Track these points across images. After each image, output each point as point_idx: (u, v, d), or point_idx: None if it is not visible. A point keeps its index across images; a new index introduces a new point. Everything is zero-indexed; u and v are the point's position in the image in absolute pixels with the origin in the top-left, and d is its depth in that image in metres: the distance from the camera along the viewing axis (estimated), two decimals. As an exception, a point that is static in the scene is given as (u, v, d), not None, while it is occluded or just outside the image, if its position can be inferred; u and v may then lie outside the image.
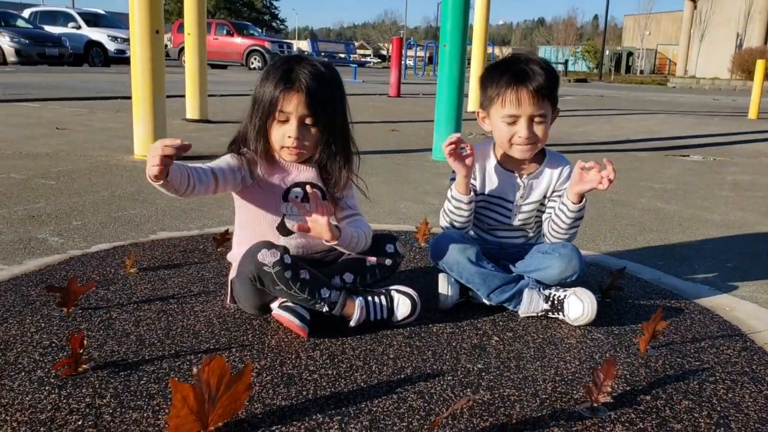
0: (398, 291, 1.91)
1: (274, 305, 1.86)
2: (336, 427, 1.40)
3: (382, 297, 1.89)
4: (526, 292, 2.00)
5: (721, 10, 35.68)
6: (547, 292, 2.02)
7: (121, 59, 21.22)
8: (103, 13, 23.80)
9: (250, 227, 1.97)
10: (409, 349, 1.78)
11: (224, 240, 2.61)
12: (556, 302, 1.99)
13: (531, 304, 2.00)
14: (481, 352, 1.79)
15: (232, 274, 1.96)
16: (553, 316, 2.02)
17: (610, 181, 1.93)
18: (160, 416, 1.41)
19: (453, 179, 2.10)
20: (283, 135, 1.85)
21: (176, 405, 1.25)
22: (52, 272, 2.31)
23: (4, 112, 7.28)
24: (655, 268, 2.70)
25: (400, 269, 2.36)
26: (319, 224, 1.76)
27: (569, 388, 1.62)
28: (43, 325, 1.85)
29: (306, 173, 1.95)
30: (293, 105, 1.82)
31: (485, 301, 2.05)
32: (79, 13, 22.47)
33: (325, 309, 1.82)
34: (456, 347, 1.82)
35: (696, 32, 38.01)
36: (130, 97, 4.89)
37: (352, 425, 1.41)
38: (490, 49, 13.18)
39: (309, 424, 1.40)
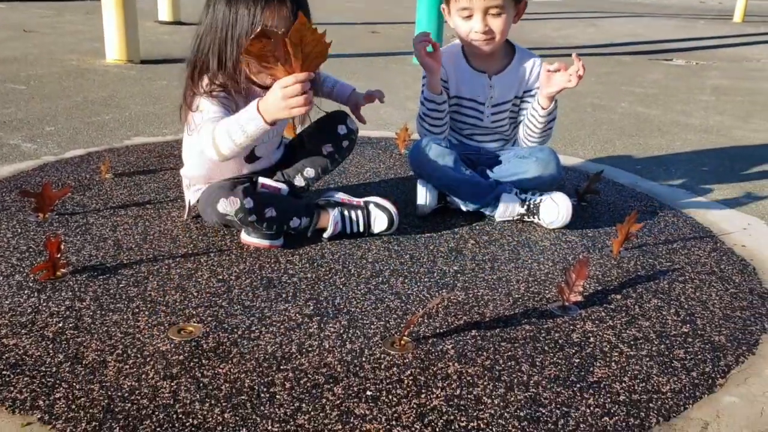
0: (376, 205, 1.89)
1: (242, 233, 1.82)
2: (315, 326, 1.43)
3: (360, 212, 1.87)
4: (503, 197, 2.01)
5: None
6: (523, 196, 2.03)
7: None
8: None
9: None
10: (387, 253, 1.81)
11: (201, 145, 2.57)
12: (531, 206, 2.01)
13: (507, 208, 2.02)
14: (457, 255, 1.82)
15: (189, 194, 1.90)
16: (529, 219, 2.04)
17: (579, 77, 1.90)
18: (139, 318, 1.43)
19: (425, 83, 2.07)
20: None
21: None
22: (27, 178, 2.28)
23: (-33, 14, 6.97)
24: (632, 173, 2.71)
25: (379, 176, 2.36)
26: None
27: (542, 288, 1.66)
28: (19, 230, 1.84)
29: None
30: (276, 19, 1.64)
31: (462, 207, 2.06)
32: None
33: (298, 231, 1.81)
34: (433, 250, 1.84)
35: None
36: None
37: (330, 325, 1.44)
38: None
39: (288, 324, 1.43)
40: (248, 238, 1.81)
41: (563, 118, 3.53)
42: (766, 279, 1.81)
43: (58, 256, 1.57)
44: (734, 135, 3.46)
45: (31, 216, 1.92)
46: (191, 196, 1.90)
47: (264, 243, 1.79)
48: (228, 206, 1.69)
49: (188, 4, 7.86)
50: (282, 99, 1.46)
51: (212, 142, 1.57)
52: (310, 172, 1.94)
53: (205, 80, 1.71)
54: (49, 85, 3.84)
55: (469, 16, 1.98)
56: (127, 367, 1.26)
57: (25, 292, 1.52)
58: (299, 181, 1.92)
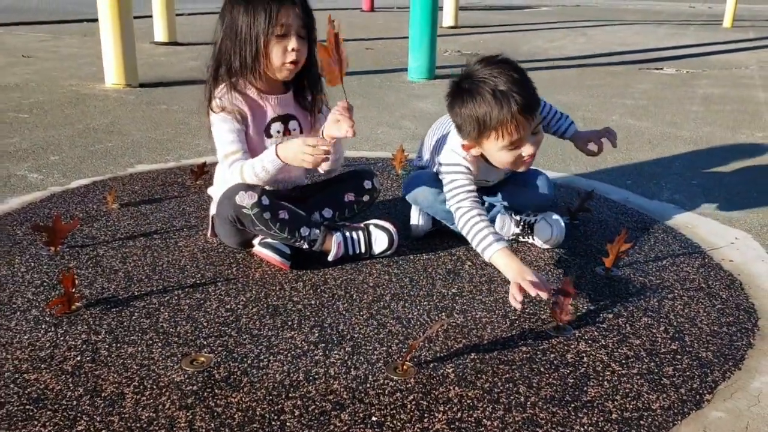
0: (376, 226, 1.98)
1: (256, 241, 1.93)
2: (320, 353, 1.50)
3: (360, 232, 1.96)
4: (498, 218, 2.09)
5: None
6: (518, 217, 2.10)
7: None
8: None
9: None
10: (387, 277, 1.88)
11: (202, 173, 2.64)
12: (526, 226, 2.08)
13: (503, 228, 2.09)
14: (455, 277, 1.89)
15: (213, 209, 2.01)
16: (524, 239, 2.11)
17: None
18: (153, 350, 1.50)
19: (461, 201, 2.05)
20: (284, 50, 1.85)
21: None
22: (36, 210, 2.35)
23: (-34, 40, 7.06)
24: (623, 188, 2.79)
25: (379, 199, 2.43)
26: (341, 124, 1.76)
27: (537, 309, 1.73)
28: (32, 264, 1.91)
29: (282, 105, 1.98)
30: (291, 17, 1.84)
31: (456, 229, 2.12)
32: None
33: (305, 246, 1.89)
34: (431, 273, 1.91)
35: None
36: (96, 20, 4.77)
37: (335, 351, 1.51)
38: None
39: (295, 352, 1.50)
40: (261, 250, 1.91)
41: (556, 134, 3.62)
42: (752, 294, 1.88)
43: (73, 290, 1.64)
44: (723, 146, 3.54)
45: (43, 249, 1.99)
46: (214, 210, 2.00)
47: (275, 258, 1.89)
48: (246, 199, 1.80)
49: (184, 23, 7.98)
50: (301, 153, 1.74)
51: (240, 178, 1.86)
52: (328, 212, 2.05)
53: (220, 88, 1.90)
54: (51, 113, 3.91)
55: (518, 146, 1.85)
56: (144, 398, 1.33)
57: (43, 326, 1.58)
58: (315, 217, 2.00)
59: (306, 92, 2.03)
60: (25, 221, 2.23)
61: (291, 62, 1.87)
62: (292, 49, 1.85)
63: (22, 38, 7.37)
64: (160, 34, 7.12)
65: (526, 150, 1.85)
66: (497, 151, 1.85)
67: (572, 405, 1.35)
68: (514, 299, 1.62)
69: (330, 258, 1.92)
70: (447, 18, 9.80)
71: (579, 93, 5.03)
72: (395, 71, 5.82)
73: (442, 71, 5.60)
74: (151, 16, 7.14)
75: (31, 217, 2.27)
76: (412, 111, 4.25)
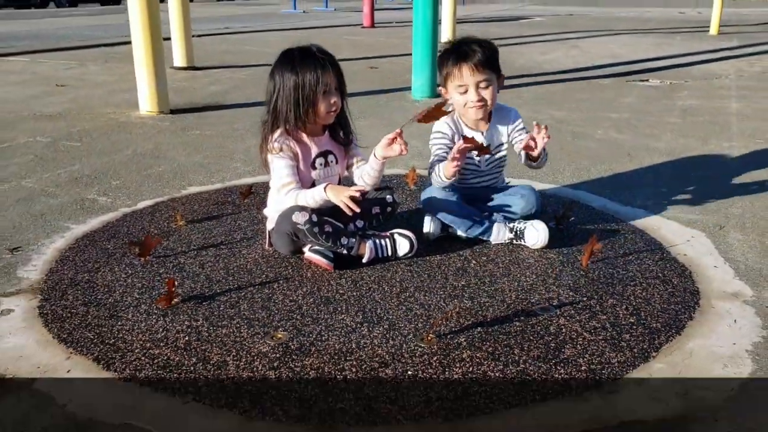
0: (400, 234, 2.50)
1: (306, 249, 2.45)
2: (365, 330, 2.01)
3: (387, 240, 2.48)
4: (495, 226, 2.60)
5: None
6: (511, 224, 2.62)
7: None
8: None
9: None
10: (410, 274, 2.39)
11: (248, 193, 3.16)
12: (518, 232, 2.60)
13: (499, 234, 2.61)
14: (463, 273, 2.41)
15: (269, 225, 2.53)
16: (517, 243, 2.63)
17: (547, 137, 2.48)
18: (242, 330, 2.01)
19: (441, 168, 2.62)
20: (329, 103, 2.41)
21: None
22: (115, 228, 2.86)
23: (-1, 69, 7.59)
24: (603, 197, 3.30)
25: (397, 210, 2.94)
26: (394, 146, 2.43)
27: (528, 295, 2.24)
28: (130, 271, 2.42)
29: (322, 144, 2.51)
30: (331, 78, 2.41)
31: (462, 235, 2.64)
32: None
33: (344, 251, 2.41)
34: (444, 270, 2.43)
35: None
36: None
37: (376, 329, 2.02)
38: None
39: (346, 329, 2.02)
40: (312, 255, 2.42)
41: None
42: (698, 280, 2.39)
43: (173, 289, 2.15)
44: (693, 157, 4.06)
45: (136, 260, 2.50)
46: (270, 226, 2.53)
47: (323, 261, 2.40)
48: (300, 217, 2.33)
49: (199, 48, 8.50)
50: (340, 198, 2.30)
51: (294, 203, 2.38)
52: (360, 223, 2.57)
53: (276, 134, 2.42)
54: (99, 141, 4.43)
55: (465, 91, 2.57)
56: (242, 363, 1.84)
57: (153, 317, 2.09)
58: (350, 227, 2.52)
59: (338, 130, 2.56)
60: (111, 237, 2.74)
61: (334, 111, 2.42)
62: (334, 102, 2.40)
63: (49, 65, 7.91)
64: (179, 59, 7.62)
65: (471, 95, 2.56)
66: (454, 93, 2.61)
67: (553, 361, 1.86)
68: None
69: (364, 260, 2.44)
70: (445, 33, 10.32)
71: (569, 108, 5.54)
72: (399, 90, 6.34)
73: (444, 90, 6.11)
74: (169, 39, 7.66)
75: (114, 234, 2.78)
76: (417, 129, 4.71)
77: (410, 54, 6.06)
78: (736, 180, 3.60)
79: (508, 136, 2.72)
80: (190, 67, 7.62)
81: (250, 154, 4.07)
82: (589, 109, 5.48)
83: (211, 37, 10.92)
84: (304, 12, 18.69)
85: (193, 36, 7.99)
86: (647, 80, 7.02)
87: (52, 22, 14.74)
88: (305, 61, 2.39)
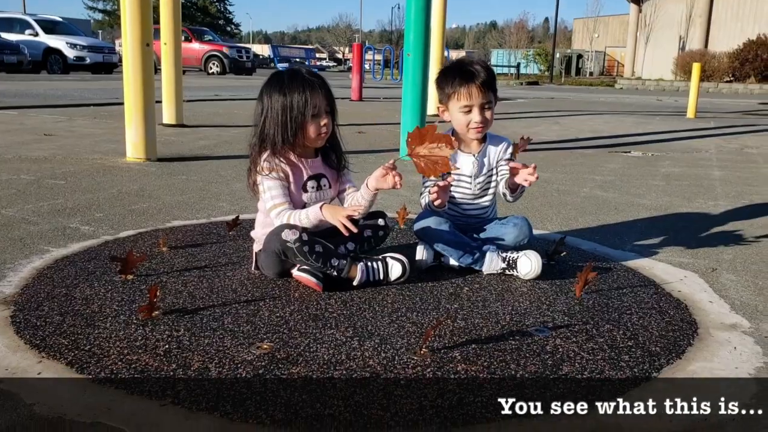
0: (392, 257, 2.44)
1: (294, 270, 2.37)
2: (356, 344, 1.92)
3: (379, 263, 2.41)
4: (487, 255, 2.56)
5: (664, 14, 37.08)
6: (504, 254, 2.57)
7: (80, 66, 21.36)
8: (61, 20, 23.82)
9: None
10: (401, 297, 2.32)
11: (235, 225, 3.10)
12: (510, 261, 2.55)
13: (491, 263, 2.56)
14: (456, 297, 2.34)
15: (256, 247, 2.46)
16: (509, 273, 2.57)
17: (536, 178, 2.47)
18: (225, 340, 1.91)
19: (426, 185, 2.62)
20: (318, 126, 2.38)
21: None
22: (96, 252, 2.77)
23: (-14, 120, 7.58)
24: (592, 242, 3.28)
25: (387, 244, 2.90)
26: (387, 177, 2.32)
27: (522, 318, 2.18)
28: (110, 287, 2.32)
29: (313, 167, 2.48)
30: (320, 100, 2.37)
31: (454, 263, 2.59)
32: (36, 20, 22.41)
33: (335, 273, 2.34)
34: (437, 294, 2.36)
35: (642, 35, 39.44)
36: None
37: (367, 342, 1.93)
38: (446, 53, 13.81)
39: (336, 342, 1.93)
40: (300, 274, 2.34)
41: (533, 201, 4.14)
42: (695, 312, 2.34)
43: (155, 300, 2.06)
44: (679, 212, 4.08)
45: (116, 277, 2.41)
46: (257, 248, 2.45)
47: (312, 280, 2.32)
48: (290, 235, 2.26)
49: (188, 110, 8.58)
50: (337, 218, 2.28)
51: (286, 222, 2.33)
52: (351, 245, 2.51)
53: (265, 155, 2.37)
54: (84, 180, 4.38)
55: (469, 111, 2.58)
56: (225, 370, 1.74)
57: (132, 326, 2.00)
58: (341, 249, 2.45)
59: (331, 154, 2.53)
60: (92, 259, 2.65)
61: (324, 134, 2.40)
62: (323, 125, 2.38)
63: (38, 119, 7.91)
64: (168, 117, 7.68)
65: (475, 116, 2.57)
66: (456, 112, 2.60)
67: (551, 377, 1.78)
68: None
69: (354, 283, 2.36)
70: (431, 106, 10.53)
71: (554, 170, 5.60)
72: (388, 151, 6.39)
73: (431, 151, 6.16)
74: (160, 102, 7.72)
75: (94, 257, 2.69)
76: (407, 182, 4.72)
77: (398, 123, 6.13)
78: (725, 232, 3.61)
79: (497, 162, 2.72)
80: (180, 125, 7.67)
81: (235, 195, 4.03)
82: (574, 172, 5.54)
83: (201, 102, 11.06)
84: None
85: (184, 101, 8.08)
86: (629, 152, 7.14)
87: (43, 84, 14.88)
88: (294, 82, 2.37)
